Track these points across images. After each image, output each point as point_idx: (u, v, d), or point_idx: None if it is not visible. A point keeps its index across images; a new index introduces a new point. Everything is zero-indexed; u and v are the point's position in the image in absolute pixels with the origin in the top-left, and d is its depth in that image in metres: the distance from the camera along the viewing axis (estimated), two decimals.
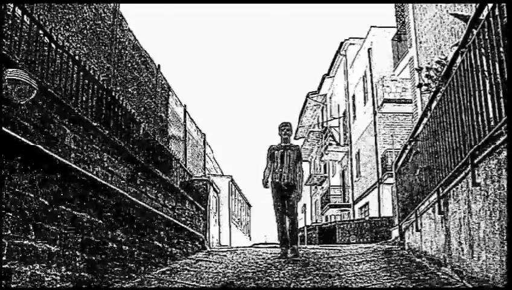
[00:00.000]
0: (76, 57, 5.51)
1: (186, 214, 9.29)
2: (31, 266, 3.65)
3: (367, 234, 16.75)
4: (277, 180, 7.36)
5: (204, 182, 12.30)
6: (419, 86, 8.07)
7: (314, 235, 18.62)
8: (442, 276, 4.86)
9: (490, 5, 3.50)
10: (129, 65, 11.35)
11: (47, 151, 4.00)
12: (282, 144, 7.60)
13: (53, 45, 4.95)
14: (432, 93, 6.11)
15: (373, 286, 4.84)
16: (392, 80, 19.57)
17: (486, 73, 3.62)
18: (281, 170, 7.40)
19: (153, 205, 7.02)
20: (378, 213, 20.02)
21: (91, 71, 5.92)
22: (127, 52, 11.19)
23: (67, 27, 8.03)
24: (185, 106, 17.53)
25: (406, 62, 14.95)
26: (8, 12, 4.78)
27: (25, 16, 4.55)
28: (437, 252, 5.46)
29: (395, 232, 9.98)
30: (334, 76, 29.12)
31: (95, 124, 5.32)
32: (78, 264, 4.40)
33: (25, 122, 3.90)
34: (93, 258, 4.74)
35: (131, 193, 6.10)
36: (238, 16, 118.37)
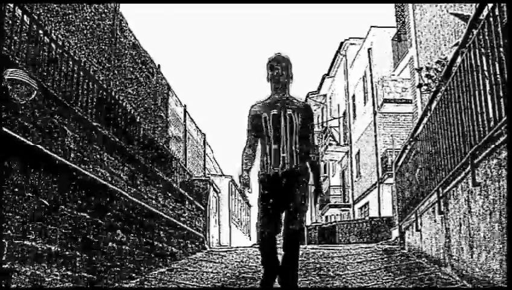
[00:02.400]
0: (76, 57, 5.51)
1: (186, 214, 9.29)
2: (31, 266, 3.65)
3: (367, 234, 16.75)
4: (271, 168, 3.92)
5: (205, 182, 12.33)
6: (419, 86, 8.07)
7: (314, 235, 18.63)
8: (442, 276, 4.86)
9: (490, 5, 3.50)
10: (129, 65, 11.35)
11: (47, 151, 4.00)
12: (276, 97, 4.08)
13: (53, 45, 4.95)
14: (432, 93, 6.11)
15: (373, 286, 4.84)
16: (392, 80, 19.56)
17: (486, 73, 3.62)
18: (276, 148, 3.93)
19: (153, 205, 7.01)
20: (378, 213, 20.00)
21: (91, 71, 5.92)
22: (126, 52, 11.19)
23: (67, 27, 8.03)
24: (185, 106, 17.54)
25: (406, 62, 14.94)
26: (8, 13, 4.78)
27: (25, 16, 4.54)
28: (437, 252, 5.45)
29: (395, 232, 9.97)
30: (334, 76, 29.11)
31: (95, 124, 5.32)
32: (78, 264, 4.40)
33: (25, 122, 3.89)
34: (93, 258, 4.74)
35: (132, 193, 6.09)
36: (238, 16, 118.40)
